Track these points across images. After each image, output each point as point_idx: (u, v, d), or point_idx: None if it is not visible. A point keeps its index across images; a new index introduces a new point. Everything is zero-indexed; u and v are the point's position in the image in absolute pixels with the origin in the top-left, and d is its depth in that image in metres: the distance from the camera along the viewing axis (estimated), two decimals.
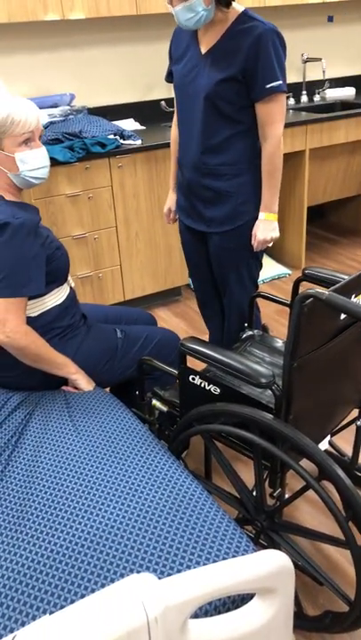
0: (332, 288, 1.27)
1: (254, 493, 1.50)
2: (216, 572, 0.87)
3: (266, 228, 1.99)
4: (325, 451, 2.02)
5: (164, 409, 1.76)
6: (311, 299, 1.23)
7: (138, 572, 1.10)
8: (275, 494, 1.48)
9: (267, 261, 3.84)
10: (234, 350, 1.92)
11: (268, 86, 1.79)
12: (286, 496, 1.51)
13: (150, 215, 3.08)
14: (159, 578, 0.92)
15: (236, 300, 2.20)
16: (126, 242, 3.06)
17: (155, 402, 1.78)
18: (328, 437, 1.74)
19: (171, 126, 3.39)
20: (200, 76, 1.87)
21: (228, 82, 1.81)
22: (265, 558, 0.91)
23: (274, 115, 1.85)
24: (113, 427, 1.55)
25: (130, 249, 3.09)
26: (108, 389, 1.94)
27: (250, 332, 2.05)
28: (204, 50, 1.87)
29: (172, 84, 2.06)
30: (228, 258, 2.10)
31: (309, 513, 1.90)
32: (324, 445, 1.64)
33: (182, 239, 2.27)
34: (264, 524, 1.48)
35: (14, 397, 1.70)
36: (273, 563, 0.90)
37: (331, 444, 2.08)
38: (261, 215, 1.98)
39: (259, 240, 2.01)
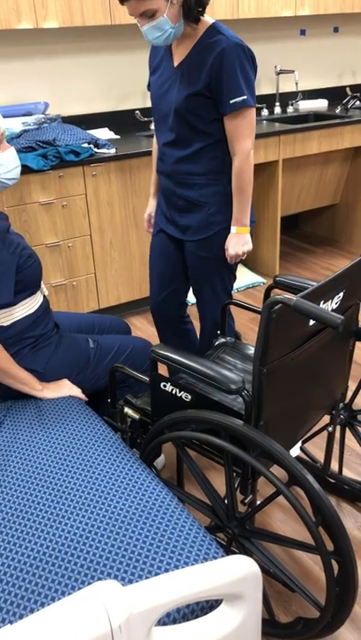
0: (300, 294, 1.28)
1: (226, 501, 1.49)
2: (182, 578, 0.86)
3: (237, 242, 1.99)
4: (297, 457, 2.03)
5: (136, 416, 1.75)
6: (279, 305, 1.24)
7: (104, 580, 1.08)
8: (246, 501, 1.48)
9: (242, 270, 3.86)
10: (206, 357, 1.93)
11: (233, 101, 1.79)
12: (258, 503, 1.51)
13: (125, 224, 3.07)
14: (125, 585, 0.91)
15: (209, 309, 2.20)
16: (101, 250, 3.05)
17: (127, 409, 1.77)
18: (299, 443, 1.75)
19: (145, 136, 3.41)
20: (171, 90, 1.89)
21: (196, 96, 1.82)
22: (232, 564, 0.91)
23: (241, 129, 1.84)
24: (83, 435, 1.54)
25: (104, 257, 3.08)
26: None
27: (223, 340, 2.05)
28: (176, 63, 1.87)
29: (148, 94, 2.06)
30: (202, 267, 2.10)
31: (282, 520, 1.90)
32: (295, 451, 1.65)
33: (154, 245, 2.24)
34: (235, 531, 1.47)
35: None
36: (240, 568, 0.90)
37: (303, 450, 2.09)
38: (233, 229, 1.98)
39: (230, 255, 2.02)
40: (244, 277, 3.76)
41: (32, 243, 2.82)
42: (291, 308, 1.21)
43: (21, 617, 1.02)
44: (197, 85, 1.80)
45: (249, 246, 2.01)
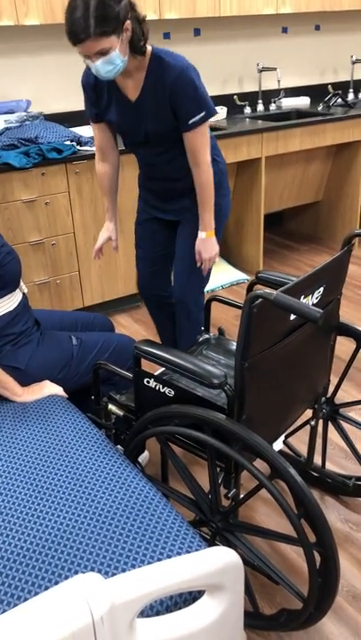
0: (280, 289, 1.29)
1: (210, 495, 1.50)
2: (162, 569, 0.87)
3: (210, 246, 2.10)
4: (280, 451, 2.05)
5: (120, 413, 1.75)
6: (260, 299, 1.25)
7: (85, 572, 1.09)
8: (229, 495, 1.49)
9: (225, 267, 3.88)
10: (190, 353, 1.93)
11: (191, 121, 1.91)
12: (241, 496, 1.52)
13: None
14: (107, 578, 0.91)
15: (183, 294, 2.27)
16: (84, 248, 3.05)
17: (110, 406, 1.77)
18: (283, 437, 1.76)
19: None
20: (138, 122, 1.99)
21: (164, 122, 1.94)
22: (212, 555, 0.92)
23: (199, 144, 1.95)
24: (67, 432, 1.54)
25: (88, 255, 3.08)
26: None
27: (206, 336, 2.06)
28: (132, 97, 1.96)
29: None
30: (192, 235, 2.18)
31: (266, 514, 1.92)
32: (278, 445, 1.66)
33: (143, 232, 2.33)
34: (219, 525, 1.48)
35: None
36: (220, 559, 0.91)
37: (286, 444, 2.11)
38: (202, 234, 2.08)
39: (205, 258, 2.14)
40: (228, 274, 3.77)
41: (15, 241, 2.81)
42: (271, 302, 1.22)
43: (2, 611, 1.02)
44: (164, 115, 1.92)
45: (217, 248, 2.13)
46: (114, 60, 1.77)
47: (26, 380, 1.74)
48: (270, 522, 1.89)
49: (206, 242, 2.10)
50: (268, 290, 1.28)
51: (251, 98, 4.08)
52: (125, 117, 2.00)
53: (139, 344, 1.54)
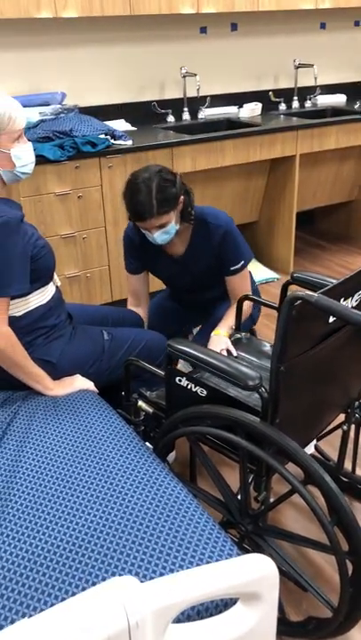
0: (321, 290, 1.26)
1: (239, 497, 1.48)
2: (199, 576, 0.85)
3: (223, 343, 2.02)
4: (311, 455, 2.02)
5: (150, 410, 1.74)
6: (300, 301, 1.22)
7: (120, 574, 1.08)
8: (259, 498, 1.47)
9: (256, 266, 3.84)
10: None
11: (233, 268, 2.08)
12: (271, 500, 1.50)
13: None
14: (141, 581, 0.90)
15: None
16: (115, 242, 3.04)
17: (140, 403, 1.76)
18: (314, 442, 1.73)
19: (162, 128, 3.39)
20: (183, 275, 2.16)
21: (209, 273, 2.12)
22: (250, 563, 0.90)
23: (241, 285, 2.12)
24: (98, 428, 1.53)
25: (118, 249, 3.06)
26: None
27: (237, 336, 2.04)
28: (177, 253, 2.12)
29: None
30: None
31: (294, 517, 1.89)
32: (310, 449, 1.63)
33: (156, 307, 2.37)
34: (248, 528, 1.47)
35: None
36: (258, 568, 0.89)
37: (316, 448, 2.08)
38: (222, 331, 2.06)
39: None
40: (259, 273, 3.73)
41: (47, 233, 2.81)
42: (312, 304, 1.19)
43: (35, 609, 1.02)
44: (210, 269, 2.10)
45: (229, 345, 2.05)
46: (170, 230, 1.95)
47: (57, 373, 1.74)
48: (298, 526, 1.86)
49: (223, 339, 2.04)
50: (307, 291, 1.25)
51: (286, 94, 4.02)
52: (171, 271, 2.18)
53: (172, 342, 1.53)
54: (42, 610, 1.01)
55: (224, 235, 2.03)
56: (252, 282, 2.23)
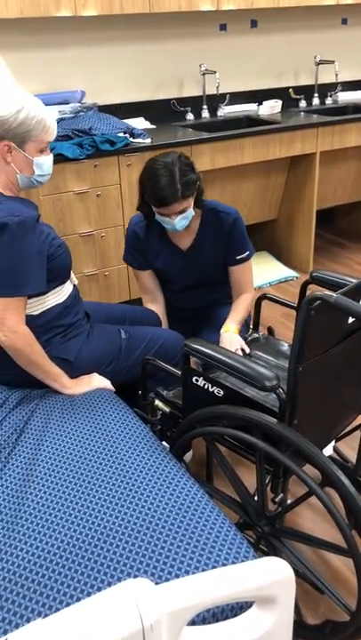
0: (340, 291, 1.25)
1: (256, 498, 1.47)
2: (215, 578, 0.85)
3: (236, 342, 1.98)
4: (329, 457, 1.99)
5: (167, 409, 1.73)
6: (319, 301, 1.20)
7: (135, 576, 1.08)
8: (276, 499, 1.46)
9: (274, 264, 3.81)
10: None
11: (239, 257, 2.11)
12: (288, 502, 1.49)
13: None
14: (156, 583, 0.90)
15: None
16: None
17: (157, 402, 1.76)
18: (332, 443, 1.71)
19: (181, 126, 3.38)
20: (189, 269, 2.15)
21: (216, 265, 2.14)
22: (266, 566, 0.89)
23: (247, 276, 2.16)
24: (114, 427, 1.53)
25: None
26: None
27: (255, 335, 2.03)
28: (183, 246, 2.12)
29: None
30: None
31: (311, 519, 1.88)
32: (328, 451, 1.62)
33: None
34: (265, 530, 1.45)
35: (15, 394, 1.68)
36: (274, 571, 0.88)
37: (334, 449, 2.06)
38: (232, 327, 2.04)
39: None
40: (277, 271, 3.71)
41: (65, 232, 2.82)
42: (331, 305, 1.18)
43: (51, 609, 1.02)
44: (217, 257, 2.11)
45: (242, 343, 2.01)
46: (188, 215, 1.97)
47: (74, 372, 1.75)
48: (315, 528, 1.84)
49: (235, 337, 2.01)
50: (326, 291, 1.23)
51: (307, 91, 3.98)
52: (175, 265, 2.16)
53: (189, 342, 1.52)
54: (57, 609, 1.01)
55: (234, 222, 2.07)
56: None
